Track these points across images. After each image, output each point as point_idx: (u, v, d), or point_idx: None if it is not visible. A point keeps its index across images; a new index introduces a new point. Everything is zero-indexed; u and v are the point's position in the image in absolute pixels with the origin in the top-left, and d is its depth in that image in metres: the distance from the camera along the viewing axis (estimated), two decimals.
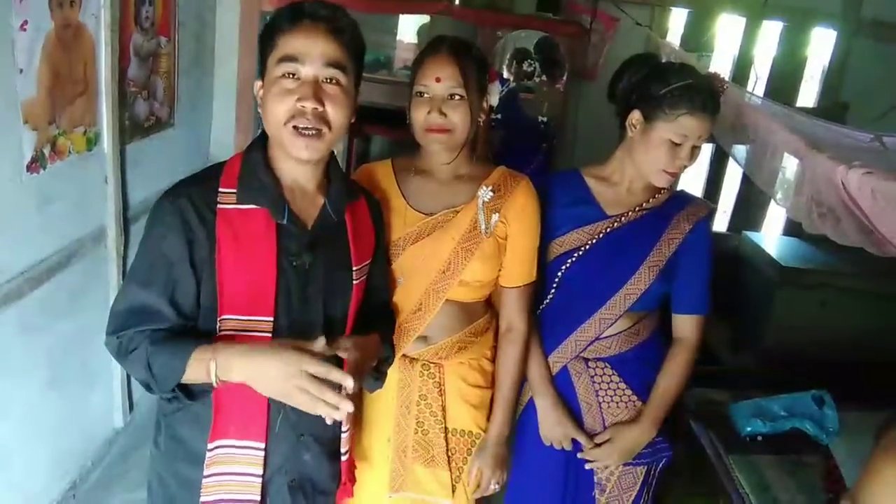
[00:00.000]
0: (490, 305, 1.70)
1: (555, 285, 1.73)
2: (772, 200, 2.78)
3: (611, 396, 1.73)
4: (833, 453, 2.14)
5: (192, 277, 1.19)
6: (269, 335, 1.21)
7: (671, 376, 1.72)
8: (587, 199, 1.70)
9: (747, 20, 3.70)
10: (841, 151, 1.60)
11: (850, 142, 1.93)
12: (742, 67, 3.78)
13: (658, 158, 1.59)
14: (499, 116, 2.98)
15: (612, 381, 1.73)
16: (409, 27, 3.87)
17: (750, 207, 3.99)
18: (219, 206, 1.21)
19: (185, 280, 1.19)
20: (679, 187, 1.94)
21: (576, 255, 1.69)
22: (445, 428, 1.63)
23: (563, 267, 1.70)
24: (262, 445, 1.24)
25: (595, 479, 1.74)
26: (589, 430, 1.73)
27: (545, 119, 3.25)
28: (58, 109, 1.85)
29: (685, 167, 1.62)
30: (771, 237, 3.70)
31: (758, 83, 3.77)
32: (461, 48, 1.53)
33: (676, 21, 3.75)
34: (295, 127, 1.20)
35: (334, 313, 1.31)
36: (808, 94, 3.97)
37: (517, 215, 1.57)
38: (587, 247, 1.68)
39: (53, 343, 2.03)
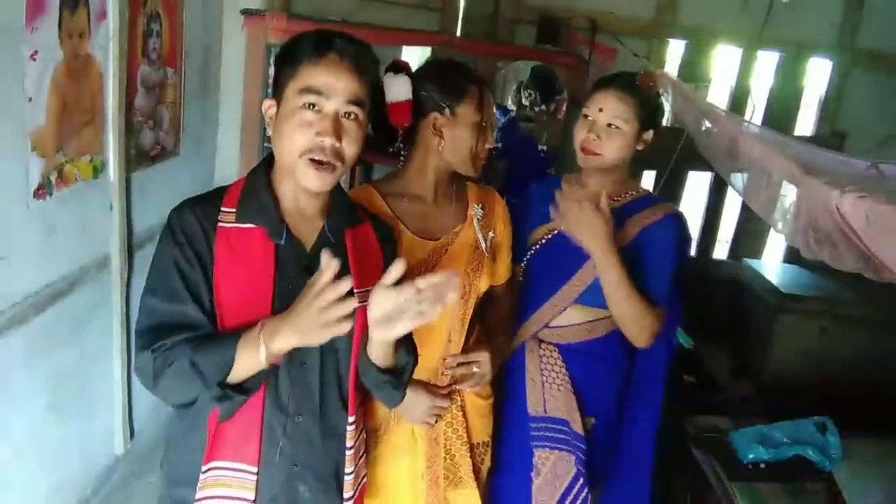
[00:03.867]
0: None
1: (523, 273, 1.88)
2: (771, 228, 2.79)
3: (552, 379, 1.82)
4: (836, 480, 2.13)
5: (206, 286, 1.19)
6: None
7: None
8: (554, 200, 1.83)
9: (744, 51, 3.76)
10: (837, 177, 1.62)
11: (846, 169, 1.95)
12: (739, 97, 3.82)
13: (576, 136, 1.78)
14: (500, 145, 3.01)
15: (556, 364, 1.83)
16: (411, 59, 3.93)
17: (750, 235, 4.01)
18: (219, 224, 1.22)
19: (202, 287, 1.19)
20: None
21: (535, 247, 1.86)
22: (470, 445, 1.67)
23: (529, 255, 1.86)
24: (255, 469, 1.22)
25: (532, 462, 1.81)
26: (531, 409, 1.82)
27: (545, 148, 3.28)
28: (65, 138, 1.88)
29: (601, 149, 1.72)
30: (771, 264, 3.71)
31: (755, 113, 3.82)
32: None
33: (674, 52, 3.81)
34: (311, 159, 1.19)
35: (335, 343, 1.26)
36: (805, 124, 4.01)
37: (500, 225, 1.70)
38: (544, 240, 1.84)
39: (56, 369, 2.03)
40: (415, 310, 1.09)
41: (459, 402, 1.65)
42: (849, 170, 1.95)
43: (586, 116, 1.77)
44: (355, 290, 1.24)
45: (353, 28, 3.06)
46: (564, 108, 3.45)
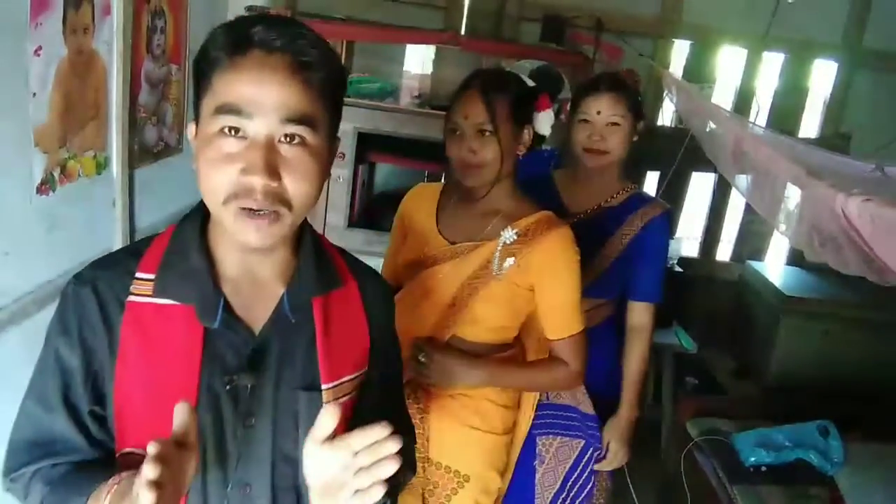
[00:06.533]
0: (507, 347, 1.65)
1: None
2: (775, 230, 2.79)
3: None
4: (838, 484, 2.13)
5: (89, 396, 0.90)
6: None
7: (628, 364, 1.93)
8: (553, 200, 1.91)
9: (749, 52, 3.75)
10: (841, 180, 1.62)
11: (850, 171, 1.95)
12: (744, 98, 3.81)
13: (577, 139, 1.88)
14: None
15: None
16: (415, 57, 3.93)
17: (753, 237, 4.00)
18: (129, 297, 0.89)
19: (83, 394, 0.90)
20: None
21: None
22: (427, 458, 1.59)
23: None
24: None
25: (536, 451, 1.84)
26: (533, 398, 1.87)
27: (548, 148, 3.28)
28: (69, 133, 1.88)
29: (606, 147, 1.83)
30: (774, 266, 3.70)
31: (760, 114, 3.80)
32: (494, 82, 1.52)
33: (679, 52, 3.79)
34: (241, 208, 0.83)
35: (295, 454, 0.92)
36: (810, 125, 3.99)
37: (543, 266, 1.51)
38: None
39: None
40: (352, 485, 0.76)
41: (421, 404, 1.58)
42: (853, 172, 1.95)
43: (584, 120, 1.86)
44: (324, 386, 0.95)
45: (359, 26, 3.06)
46: (569, 107, 3.43)
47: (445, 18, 3.54)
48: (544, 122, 1.58)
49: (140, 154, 2.32)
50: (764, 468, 2.22)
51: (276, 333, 0.92)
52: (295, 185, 0.84)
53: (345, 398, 0.97)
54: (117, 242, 2.24)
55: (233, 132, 0.83)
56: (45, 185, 1.81)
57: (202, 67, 0.86)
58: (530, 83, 1.62)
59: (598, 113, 1.83)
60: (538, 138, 1.61)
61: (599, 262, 1.87)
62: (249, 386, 0.90)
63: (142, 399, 0.88)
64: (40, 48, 1.70)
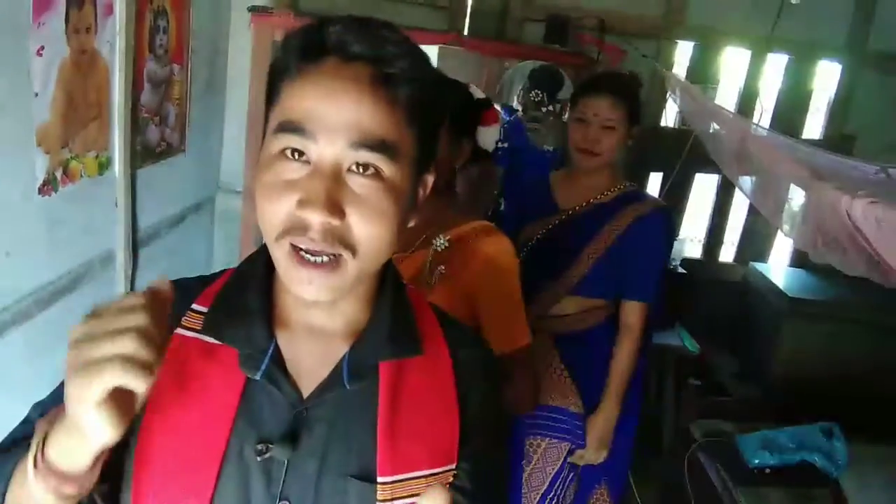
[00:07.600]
0: None
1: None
2: (778, 231, 2.78)
3: (545, 367, 1.90)
4: (843, 486, 2.12)
5: None
6: None
7: (615, 362, 1.90)
8: (546, 197, 1.98)
9: (753, 53, 3.74)
10: (846, 182, 1.62)
11: (855, 173, 1.94)
12: (748, 100, 3.80)
13: (572, 138, 1.89)
14: (505, 146, 3.00)
15: (549, 352, 1.91)
16: None
17: (757, 238, 3.99)
18: (178, 329, 0.76)
19: None
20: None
21: (530, 244, 1.96)
22: None
23: (522, 253, 1.93)
24: None
25: (523, 451, 1.87)
26: None
27: (550, 149, 3.27)
28: (71, 133, 1.88)
29: (599, 149, 1.83)
30: (778, 268, 3.69)
31: (763, 115, 3.79)
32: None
33: (682, 54, 3.79)
34: (295, 247, 0.68)
35: None
36: (814, 127, 3.98)
37: (477, 272, 1.42)
38: (539, 235, 1.94)
39: (59, 365, 2.03)
40: None
41: None
42: (858, 174, 1.94)
43: (580, 120, 1.87)
44: (380, 479, 0.72)
45: None
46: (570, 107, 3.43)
47: (448, 19, 3.53)
48: (487, 136, 1.53)
49: (142, 154, 2.32)
50: (768, 470, 2.22)
51: (331, 401, 0.74)
52: (362, 226, 0.68)
53: (402, 500, 0.73)
54: (119, 243, 2.24)
55: (296, 155, 0.67)
56: (48, 186, 1.81)
57: (272, 76, 0.73)
58: (478, 95, 1.56)
59: (595, 115, 1.84)
60: (481, 152, 1.54)
61: (585, 257, 1.88)
62: (287, 461, 0.72)
63: (163, 450, 0.71)
64: (42, 48, 1.70)
